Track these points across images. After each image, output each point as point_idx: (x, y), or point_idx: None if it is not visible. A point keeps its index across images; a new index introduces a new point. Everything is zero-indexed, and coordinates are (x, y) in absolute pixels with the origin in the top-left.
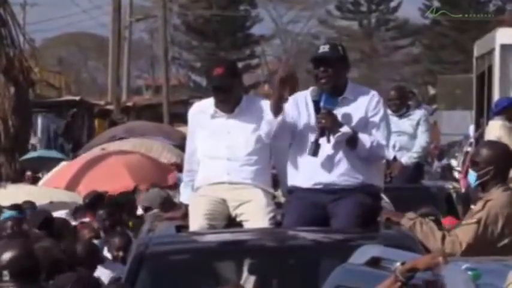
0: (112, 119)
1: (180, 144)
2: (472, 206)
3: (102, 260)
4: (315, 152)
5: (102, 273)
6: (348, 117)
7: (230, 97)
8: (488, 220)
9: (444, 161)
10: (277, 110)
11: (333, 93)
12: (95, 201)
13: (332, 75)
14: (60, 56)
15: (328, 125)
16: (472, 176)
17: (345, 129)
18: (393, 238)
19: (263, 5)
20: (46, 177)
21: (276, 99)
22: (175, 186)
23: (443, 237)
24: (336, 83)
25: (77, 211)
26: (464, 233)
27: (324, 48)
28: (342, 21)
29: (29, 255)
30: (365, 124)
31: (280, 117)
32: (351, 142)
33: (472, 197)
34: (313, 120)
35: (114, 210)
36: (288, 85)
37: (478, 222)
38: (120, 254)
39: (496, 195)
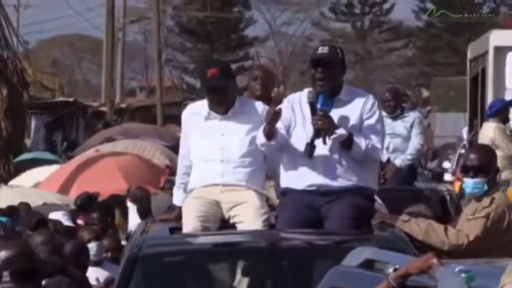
0: (106, 120)
1: (174, 145)
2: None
3: (99, 262)
4: (310, 153)
5: (101, 275)
6: (343, 119)
7: (224, 98)
8: (496, 215)
9: (430, 163)
10: (269, 136)
11: (329, 95)
12: (87, 202)
13: (329, 77)
14: (54, 58)
15: (324, 126)
16: (470, 183)
17: (340, 131)
18: (387, 240)
19: (257, 7)
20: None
21: (268, 128)
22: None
23: (446, 229)
24: (333, 85)
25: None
26: (471, 226)
27: (323, 50)
28: (335, 23)
29: (29, 255)
30: (360, 126)
31: (273, 142)
32: (346, 144)
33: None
34: (308, 122)
35: (106, 213)
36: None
37: (487, 216)
38: (109, 255)
39: (498, 194)
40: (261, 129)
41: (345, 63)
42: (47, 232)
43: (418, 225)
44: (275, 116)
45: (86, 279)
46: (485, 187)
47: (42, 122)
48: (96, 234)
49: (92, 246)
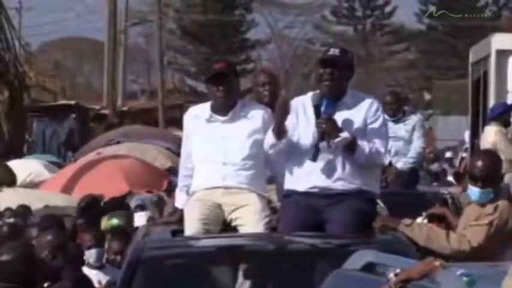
0: (108, 123)
1: (177, 148)
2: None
3: (101, 266)
4: (314, 156)
5: (102, 278)
6: (347, 122)
7: (229, 90)
8: (499, 223)
9: (436, 165)
10: (280, 134)
11: (334, 98)
12: (90, 205)
13: (336, 79)
14: (56, 60)
15: (328, 130)
16: (477, 192)
17: (344, 134)
18: (388, 243)
19: (258, 10)
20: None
21: (278, 124)
22: (169, 190)
23: (448, 235)
24: (338, 88)
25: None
26: (474, 233)
27: (334, 52)
28: (337, 27)
29: (21, 261)
30: (364, 130)
31: (284, 140)
32: (350, 147)
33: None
34: (312, 125)
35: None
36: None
37: (490, 224)
38: (118, 258)
39: (502, 202)
40: (269, 131)
41: (353, 68)
42: (62, 235)
43: (420, 230)
44: (285, 107)
45: (91, 281)
46: (492, 195)
47: (48, 130)
48: (97, 240)
49: (93, 253)
